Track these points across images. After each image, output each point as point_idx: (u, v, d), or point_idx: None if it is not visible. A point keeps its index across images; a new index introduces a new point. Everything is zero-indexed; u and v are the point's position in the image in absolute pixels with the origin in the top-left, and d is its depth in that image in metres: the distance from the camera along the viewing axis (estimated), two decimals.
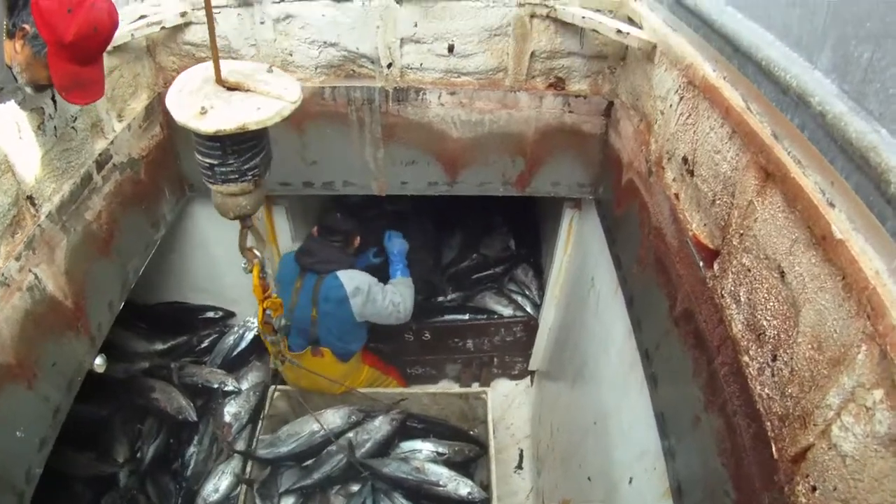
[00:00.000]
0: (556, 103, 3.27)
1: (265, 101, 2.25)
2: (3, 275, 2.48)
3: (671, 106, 2.36)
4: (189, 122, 2.16)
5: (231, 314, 5.23)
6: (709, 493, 1.86)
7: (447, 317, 5.13)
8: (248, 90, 2.31)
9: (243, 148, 2.34)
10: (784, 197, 1.55)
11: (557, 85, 3.22)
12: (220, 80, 2.30)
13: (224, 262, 4.72)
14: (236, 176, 2.39)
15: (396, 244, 4.52)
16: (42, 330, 2.71)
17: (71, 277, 2.91)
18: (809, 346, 1.40)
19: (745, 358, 1.71)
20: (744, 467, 1.66)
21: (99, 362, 3.16)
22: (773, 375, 1.56)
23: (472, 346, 5.17)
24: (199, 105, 2.18)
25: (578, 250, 4.10)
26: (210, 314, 5.24)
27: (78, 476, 4.20)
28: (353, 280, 3.97)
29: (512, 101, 3.28)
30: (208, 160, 2.35)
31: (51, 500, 3.96)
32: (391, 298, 4.06)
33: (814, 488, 1.32)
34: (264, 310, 3.22)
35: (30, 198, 2.65)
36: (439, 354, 5.25)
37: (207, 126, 2.14)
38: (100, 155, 3.10)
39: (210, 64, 2.32)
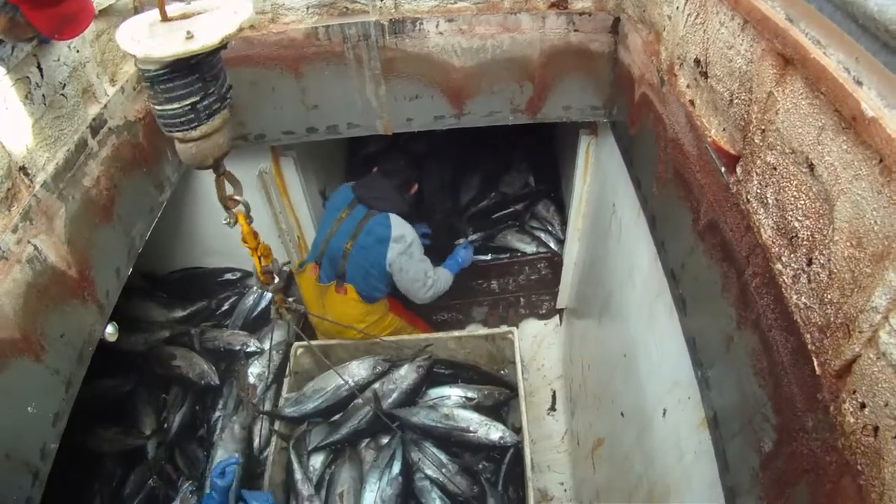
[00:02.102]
0: (559, 23, 3.05)
1: (228, 10, 2.15)
2: (1, 248, 2.42)
3: (678, 8, 2.17)
4: (179, 50, 2.00)
5: (248, 274, 5.14)
6: (747, 419, 1.70)
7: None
8: (201, 13, 2.19)
9: (217, 70, 2.21)
10: (806, 82, 1.36)
11: (560, 3, 3.01)
12: (166, 18, 2.16)
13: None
14: (219, 104, 2.26)
15: (463, 254, 4.44)
16: (46, 301, 2.66)
17: (73, 246, 2.84)
18: (848, 244, 1.22)
19: (778, 266, 1.53)
20: (783, 387, 1.50)
21: (110, 331, 3.09)
22: (809, 282, 1.39)
23: (497, 286, 5.06)
24: (178, 34, 2.02)
25: (597, 178, 3.91)
26: (227, 276, 5.19)
27: (107, 452, 4.19)
28: (402, 227, 3.87)
29: (513, 24, 3.07)
30: (189, 101, 2.19)
31: (82, 478, 3.96)
32: (426, 269, 3.95)
33: (862, 405, 1.16)
34: (259, 258, 3.10)
35: (22, 168, 2.59)
36: (464, 298, 5.14)
37: (206, 40, 2.00)
38: (94, 120, 3.01)
39: (147, 13, 2.23)
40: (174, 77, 2.13)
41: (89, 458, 4.07)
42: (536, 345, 5.16)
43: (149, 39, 2.09)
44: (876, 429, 1.12)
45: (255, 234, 3.01)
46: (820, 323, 1.34)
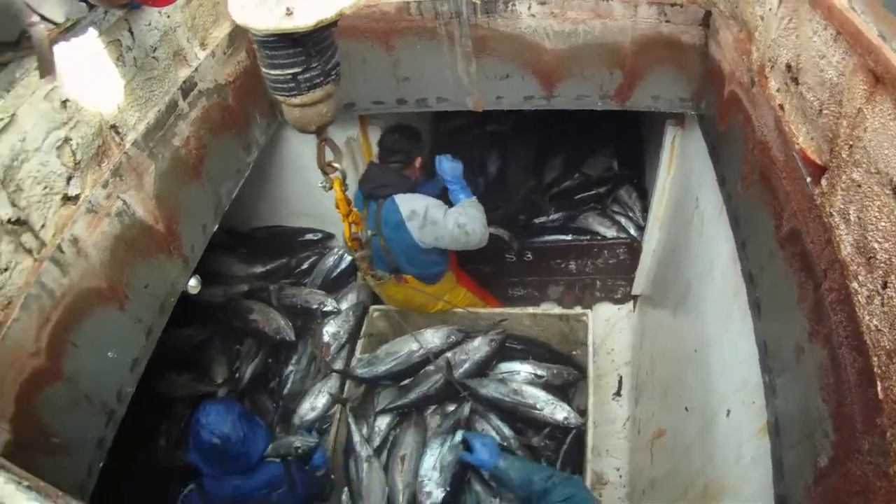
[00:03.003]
0: (651, 12, 3.03)
1: None
2: (90, 202, 2.56)
3: (770, 10, 2.13)
4: (282, 25, 2.08)
5: (331, 236, 5.29)
6: (807, 432, 1.71)
7: (550, 237, 5.03)
8: None
9: (324, 47, 2.26)
10: (895, 102, 1.34)
11: None
12: None
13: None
14: (321, 78, 2.32)
15: (447, 168, 3.98)
16: (133, 253, 2.81)
17: (161, 202, 2.99)
18: None
19: (854, 284, 1.52)
20: (846, 406, 1.50)
21: (193, 284, 3.25)
22: (882, 305, 1.38)
23: (575, 267, 5.05)
24: (280, 9, 2.09)
25: (682, 169, 3.87)
26: (309, 236, 5.32)
27: (178, 397, 4.38)
28: (409, 203, 3.73)
29: (605, 10, 3.06)
30: (290, 70, 2.27)
31: (150, 419, 4.17)
32: (456, 220, 3.71)
33: None
34: (350, 224, 3.18)
35: (113, 127, 2.73)
36: (542, 276, 5.17)
37: (304, 20, 2.07)
38: (184, 82, 3.15)
39: None
40: (278, 46, 2.21)
41: (159, 400, 4.27)
42: (608, 329, 5.15)
43: (254, 7, 2.16)
44: None
45: (349, 202, 3.08)
46: (888, 348, 1.34)
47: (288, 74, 2.26)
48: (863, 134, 1.49)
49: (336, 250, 5.20)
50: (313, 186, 4.67)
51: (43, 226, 2.39)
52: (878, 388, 1.35)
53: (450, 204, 3.87)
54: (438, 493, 3.64)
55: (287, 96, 2.35)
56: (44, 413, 2.34)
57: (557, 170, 5.41)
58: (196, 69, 3.23)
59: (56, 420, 2.38)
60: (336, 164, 2.83)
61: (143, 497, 3.71)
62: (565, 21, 3.13)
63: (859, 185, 1.51)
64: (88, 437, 2.56)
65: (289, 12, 2.06)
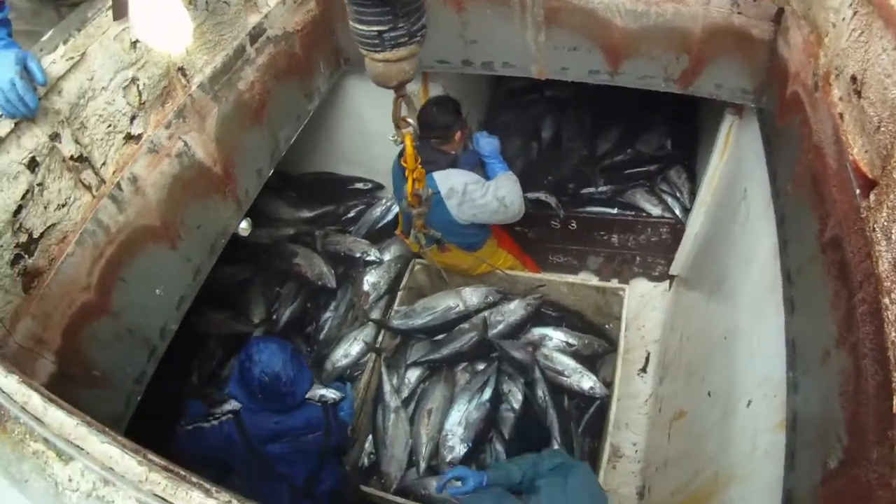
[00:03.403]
0: (724, 2, 3.02)
1: None
2: (152, 142, 2.66)
3: (843, 20, 2.13)
4: None
5: (380, 186, 5.35)
6: (822, 433, 1.79)
7: (596, 208, 5.04)
8: None
9: (413, 9, 2.29)
10: None
11: None
12: None
13: (377, 136, 4.80)
14: (406, 38, 2.34)
15: (484, 145, 4.01)
16: (189, 194, 2.91)
17: (221, 144, 3.08)
18: None
19: (886, 300, 1.58)
20: (861, 415, 1.57)
21: (244, 226, 3.36)
22: None
23: (617, 241, 5.09)
24: None
25: (734, 158, 3.87)
26: (359, 185, 5.37)
27: (213, 334, 4.47)
28: (447, 180, 3.73)
29: None
30: (376, 28, 2.29)
31: (184, 353, 4.18)
32: (495, 193, 3.74)
33: None
34: (413, 180, 3.25)
35: (181, 69, 2.81)
36: (583, 245, 5.20)
37: None
38: (253, 28, 3.22)
39: None
40: (367, 3, 2.24)
41: (195, 336, 4.30)
42: (642, 305, 5.19)
43: None
44: None
45: (417, 157, 3.13)
46: None
47: (374, 31, 2.28)
48: None
49: (384, 201, 5.27)
50: (368, 136, 4.80)
51: (104, 163, 2.49)
52: (894, 402, 1.42)
53: (485, 176, 3.90)
54: (461, 449, 3.79)
55: (371, 51, 2.38)
56: (88, 346, 2.46)
57: (611, 143, 5.40)
58: (266, 16, 3.31)
59: (99, 353, 2.50)
60: (410, 120, 2.88)
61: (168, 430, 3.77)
62: (639, 1, 3.15)
63: None
64: (129, 370, 2.68)
65: None
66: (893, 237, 1.60)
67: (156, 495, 1.15)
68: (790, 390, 2.15)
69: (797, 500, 1.83)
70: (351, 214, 5.35)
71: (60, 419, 1.26)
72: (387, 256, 4.91)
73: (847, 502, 1.52)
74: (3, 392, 1.32)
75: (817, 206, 2.19)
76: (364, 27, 2.32)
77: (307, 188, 5.33)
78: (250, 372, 2.99)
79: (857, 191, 1.87)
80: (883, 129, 1.75)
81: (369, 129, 4.80)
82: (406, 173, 3.18)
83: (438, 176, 3.74)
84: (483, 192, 3.74)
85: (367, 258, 4.85)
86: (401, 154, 3.71)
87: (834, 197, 2.04)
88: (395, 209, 5.06)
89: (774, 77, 3.02)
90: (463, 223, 3.87)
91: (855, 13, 2.03)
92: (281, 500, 3.25)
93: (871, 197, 1.77)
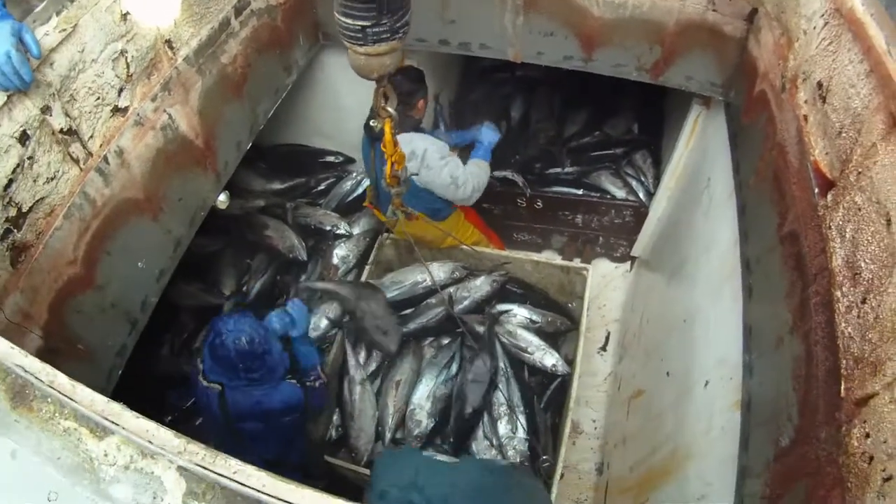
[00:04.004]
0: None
1: None
2: (138, 114, 2.67)
3: (815, 28, 2.25)
4: None
5: (351, 160, 5.35)
6: (774, 413, 1.93)
7: (562, 189, 5.15)
8: None
9: (397, 6, 2.33)
10: None
11: None
12: None
13: (350, 111, 4.83)
14: (388, 35, 2.37)
15: (486, 132, 4.15)
16: (172, 167, 2.93)
17: (203, 118, 3.10)
18: None
19: (838, 293, 1.72)
20: (812, 397, 1.72)
21: (222, 199, 3.40)
22: (858, 317, 1.58)
23: (581, 221, 5.20)
24: None
25: (699, 147, 4.00)
26: (330, 158, 5.35)
27: (185, 306, 4.45)
28: (409, 144, 3.71)
29: None
30: (360, 22, 2.32)
31: (154, 325, 4.31)
32: (451, 171, 3.79)
33: (867, 435, 1.38)
34: (392, 163, 3.30)
35: (168, 41, 2.81)
36: (548, 224, 5.31)
37: None
38: (238, 1, 3.21)
39: None
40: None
41: (166, 309, 4.05)
42: (603, 284, 5.34)
43: None
44: (871, 458, 1.34)
45: (396, 143, 3.18)
46: (856, 354, 1.54)
47: (357, 25, 2.32)
48: (872, 165, 1.66)
49: (354, 175, 5.29)
50: (342, 110, 4.82)
51: (91, 136, 2.49)
52: (842, 387, 1.56)
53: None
54: (428, 423, 3.88)
55: (353, 44, 2.42)
56: (73, 320, 2.48)
57: (579, 125, 5.50)
58: None
59: (83, 327, 2.52)
60: (390, 109, 2.92)
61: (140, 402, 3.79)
62: None
63: (859, 209, 1.69)
64: (110, 344, 2.71)
65: None
66: (847, 235, 1.73)
67: (196, 464, 1.21)
68: (746, 373, 2.30)
69: (751, 475, 1.98)
70: (321, 187, 5.36)
71: (90, 396, 1.29)
72: (356, 230, 4.94)
73: (797, 478, 1.66)
74: (28, 371, 1.33)
75: (778, 200, 2.33)
76: (349, 20, 2.35)
77: (278, 160, 5.30)
78: (223, 346, 2.92)
79: (816, 190, 2.00)
80: (844, 134, 1.88)
81: (344, 104, 4.82)
82: (386, 156, 3.23)
83: (402, 138, 3.67)
84: (439, 163, 3.78)
85: (337, 231, 4.88)
86: (369, 129, 3.75)
87: (794, 193, 2.18)
88: (366, 183, 5.11)
89: (743, 73, 3.14)
90: (425, 189, 3.91)
91: (826, 23, 2.15)
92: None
93: (829, 197, 1.91)
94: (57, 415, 1.30)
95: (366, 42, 2.37)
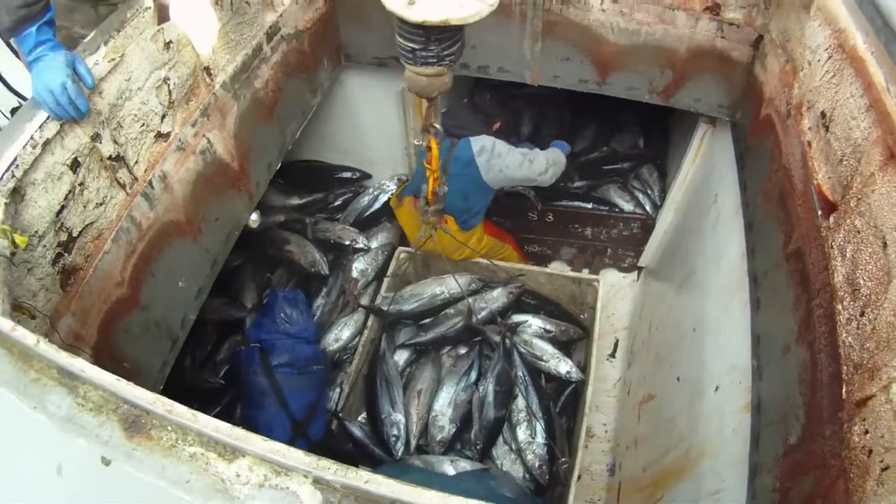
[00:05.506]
0: (710, 27, 3.33)
1: (467, 0, 2.36)
2: (180, 140, 2.80)
3: (819, 61, 2.43)
4: (398, 10, 2.32)
5: (367, 175, 5.53)
6: (782, 414, 2.12)
7: (571, 202, 5.30)
8: None
9: (445, 36, 2.49)
10: None
11: (714, 9, 3.28)
12: None
13: (368, 128, 5.07)
14: (435, 60, 2.55)
15: (561, 147, 4.57)
16: (210, 189, 3.07)
17: (238, 141, 3.25)
18: (892, 313, 1.61)
19: (839, 306, 1.92)
20: (817, 400, 1.91)
21: (254, 218, 3.56)
22: (857, 328, 1.78)
23: (590, 233, 5.36)
24: None
25: (705, 164, 4.20)
26: (347, 174, 5.52)
27: (208, 319, 4.45)
28: (479, 141, 4.06)
29: (669, 18, 3.37)
30: (411, 44, 2.51)
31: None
32: (521, 151, 4.11)
33: (866, 431, 1.58)
34: (434, 179, 3.48)
35: (206, 68, 2.96)
36: (558, 237, 5.48)
37: (415, 16, 2.30)
38: (270, 27, 3.39)
39: None
40: (404, 21, 2.45)
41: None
42: (612, 294, 5.52)
43: None
44: (870, 451, 1.54)
45: (440, 159, 3.35)
46: (856, 361, 1.74)
47: (407, 46, 2.52)
48: (871, 193, 1.86)
49: (371, 190, 5.45)
50: (360, 128, 5.02)
51: (136, 162, 2.59)
52: (843, 390, 1.76)
53: None
54: (450, 429, 4.06)
55: (403, 61, 2.62)
56: (120, 340, 2.57)
57: (587, 140, 5.68)
58: (281, 14, 3.48)
59: (130, 346, 2.61)
60: (437, 125, 3.10)
61: None
62: (631, 20, 3.44)
63: (858, 232, 1.89)
64: (154, 361, 2.81)
65: (411, 2, 2.31)
66: (847, 255, 1.94)
67: (327, 480, 1.30)
68: (755, 378, 2.48)
69: (762, 471, 2.17)
70: (338, 202, 5.51)
71: (213, 423, 1.37)
72: (374, 244, 5.13)
73: (805, 471, 1.86)
74: (142, 403, 1.40)
75: (784, 220, 2.52)
76: (401, 40, 2.53)
77: (297, 176, 5.42)
78: (276, 303, 4.22)
79: (819, 211, 2.20)
80: (845, 162, 2.08)
81: (360, 122, 5.02)
82: (428, 173, 3.43)
83: (473, 138, 4.08)
84: (508, 148, 4.07)
85: (356, 245, 5.05)
86: (445, 114, 4.05)
87: (799, 214, 2.37)
88: (382, 198, 5.33)
89: (749, 96, 3.34)
90: (485, 189, 4.15)
91: (829, 57, 2.34)
92: (284, 430, 3.83)
93: (831, 219, 2.10)
94: (180, 441, 1.36)
95: (415, 62, 2.56)
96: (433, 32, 2.45)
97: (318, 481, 1.29)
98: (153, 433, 1.37)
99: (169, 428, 1.38)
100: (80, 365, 1.42)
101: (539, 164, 4.13)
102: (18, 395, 1.40)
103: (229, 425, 1.35)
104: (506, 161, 4.04)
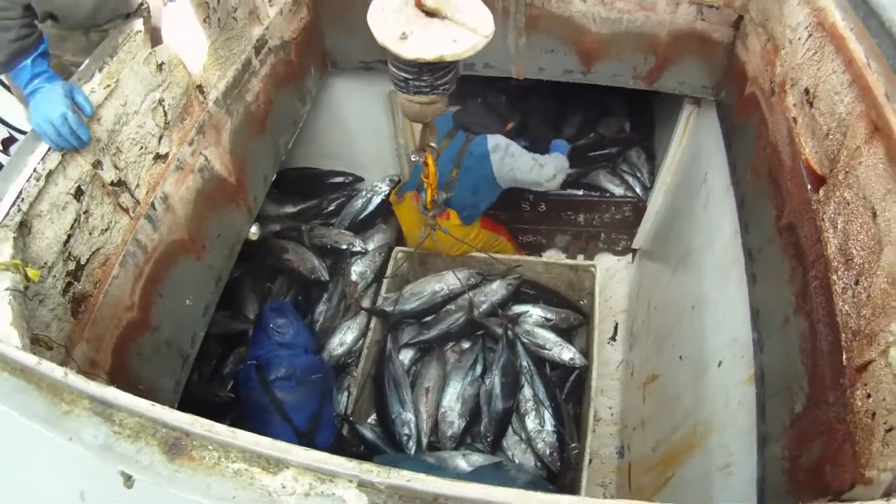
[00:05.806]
0: (690, 10, 3.38)
1: (461, 33, 2.38)
2: (178, 159, 2.82)
3: (799, 39, 2.49)
4: (390, 46, 2.36)
5: (359, 179, 5.56)
6: (786, 384, 2.19)
7: (562, 190, 5.25)
8: (444, 18, 2.42)
9: (437, 68, 2.54)
10: (886, 151, 1.77)
11: None
12: (419, 4, 2.41)
13: (357, 133, 5.10)
14: (428, 90, 2.60)
15: (561, 146, 4.62)
16: (210, 206, 3.09)
17: (234, 156, 3.27)
18: (885, 280, 1.67)
19: (834, 276, 1.98)
20: (818, 368, 1.98)
21: (254, 230, 3.59)
22: (853, 296, 1.84)
23: (583, 220, 5.41)
24: (400, 29, 2.36)
25: (693, 144, 4.26)
26: (338, 179, 5.53)
27: (211, 333, 4.32)
28: (494, 138, 4.15)
29: (650, 5, 3.42)
30: (404, 74, 2.57)
31: None
32: (532, 155, 4.19)
33: (868, 395, 1.64)
34: (431, 191, 3.58)
35: (199, 87, 2.97)
36: (551, 225, 5.53)
37: (408, 52, 2.34)
38: (257, 40, 3.40)
39: None
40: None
41: None
42: (608, 278, 5.57)
43: (387, 14, 2.44)
44: (874, 414, 1.61)
45: (437, 174, 3.46)
46: (854, 328, 1.81)
47: (401, 76, 2.57)
48: (857, 166, 1.92)
49: (363, 193, 5.46)
50: (349, 132, 5.06)
51: (137, 185, 2.60)
52: (843, 357, 1.83)
53: None
54: (460, 423, 4.11)
55: (397, 89, 2.67)
56: (134, 362, 2.58)
57: (574, 128, 5.68)
58: (267, 27, 3.48)
59: (143, 367, 2.63)
60: (433, 144, 3.16)
61: None
62: (612, 10, 3.49)
63: (848, 203, 1.95)
64: (167, 381, 2.83)
65: (403, 36, 2.34)
66: (839, 227, 2.00)
67: (372, 482, 1.32)
68: (757, 350, 2.54)
69: (770, 440, 2.23)
70: (332, 207, 5.53)
71: (254, 439, 1.39)
72: (370, 246, 5.16)
73: (812, 438, 1.93)
74: (182, 425, 1.42)
75: (774, 195, 2.58)
76: (394, 69, 2.58)
77: (289, 184, 5.38)
78: (265, 316, 4.21)
79: (809, 185, 2.26)
80: (831, 136, 2.14)
81: (349, 126, 5.05)
82: (426, 185, 3.54)
83: (489, 136, 4.17)
84: (521, 152, 4.17)
85: (354, 249, 5.07)
86: (461, 110, 4.33)
87: (789, 189, 2.43)
88: (376, 200, 5.36)
89: (732, 76, 3.40)
90: (494, 185, 4.24)
91: (810, 35, 2.40)
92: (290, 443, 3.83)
93: (821, 192, 2.17)
94: (223, 459, 1.38)
95: (407, 91, 2.62)
96: (425, 64, 2.48)
97: (362, 484, 1.32)
98: (195, 453, 1.39)
99: (210, 447, 1.40)
100: (113, 393, 1.44)
101: (548, 170, 4.21)
102: (53, 428, 1.42)
103: (269, 439, 1.38)
104: (517, 162, 4.13)
